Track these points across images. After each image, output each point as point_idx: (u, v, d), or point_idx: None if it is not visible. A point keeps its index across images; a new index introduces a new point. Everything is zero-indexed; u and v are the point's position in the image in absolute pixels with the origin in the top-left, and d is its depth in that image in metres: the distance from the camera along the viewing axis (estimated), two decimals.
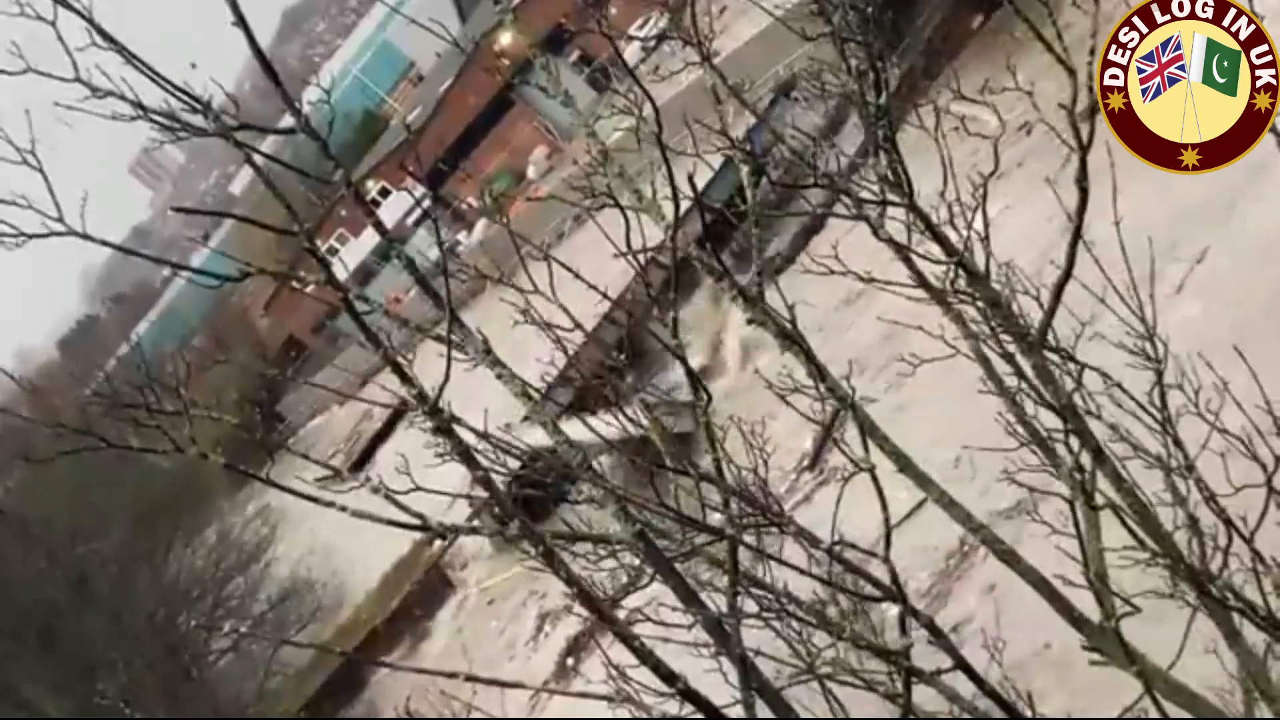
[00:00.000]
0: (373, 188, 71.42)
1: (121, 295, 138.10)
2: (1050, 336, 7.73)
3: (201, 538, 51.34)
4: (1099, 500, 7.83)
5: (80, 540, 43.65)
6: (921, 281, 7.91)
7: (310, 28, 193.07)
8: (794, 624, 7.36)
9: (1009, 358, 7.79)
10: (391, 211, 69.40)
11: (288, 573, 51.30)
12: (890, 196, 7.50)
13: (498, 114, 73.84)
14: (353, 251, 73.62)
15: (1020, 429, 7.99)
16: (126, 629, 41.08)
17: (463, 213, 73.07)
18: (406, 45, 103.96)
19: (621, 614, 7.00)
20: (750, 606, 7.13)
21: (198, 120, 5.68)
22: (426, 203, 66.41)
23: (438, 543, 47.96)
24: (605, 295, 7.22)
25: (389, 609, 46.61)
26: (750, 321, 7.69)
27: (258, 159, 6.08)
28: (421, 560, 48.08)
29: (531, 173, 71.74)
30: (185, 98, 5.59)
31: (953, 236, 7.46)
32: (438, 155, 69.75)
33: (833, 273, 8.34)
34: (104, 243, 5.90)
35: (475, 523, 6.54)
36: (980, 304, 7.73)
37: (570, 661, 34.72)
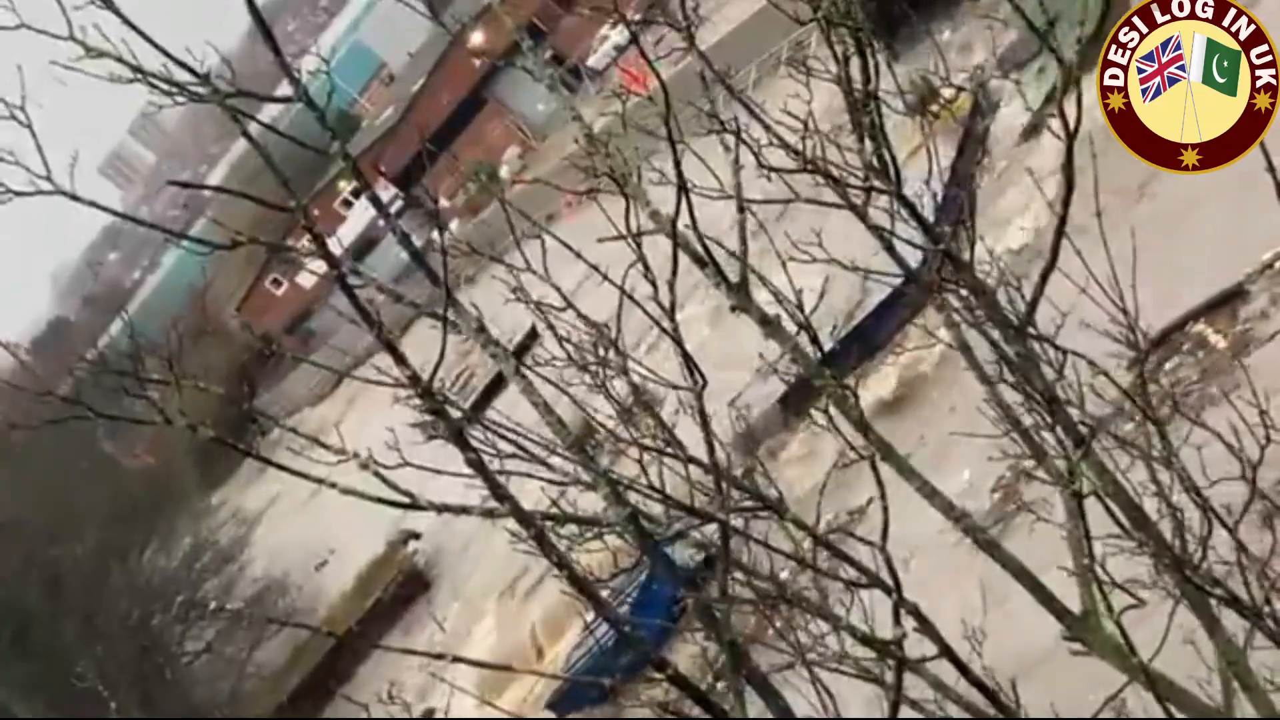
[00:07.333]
0: (345, 188, 71.20)
1: (92, 296, 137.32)
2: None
3: (175, 539, 51.17)
4: (1085, 489, 7.82)
5: (54, 542, 43.49)
6: (905, 269, 7.91)
7: (282, 27, 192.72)
8: (784, 611, 7.35)
9: (993, 345, 7.78)
10: (365, 212, 69.11)
11: (262, 573, 51.21)
12: (876, 184, 7.49)
13: (470, 113, 73.80)
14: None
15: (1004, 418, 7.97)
16: (100, 630, 40.93)
17: (436, 212, 72.90)
18: (378, 45, 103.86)
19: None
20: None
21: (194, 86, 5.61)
22: (406, 195, 66.22)
23: (413, 544, 47.92)
24: (605, 276, 7.23)
25: (364, 608, 46.49)
26: (734, 309, 7.67)
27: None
28: (396, 560, 48.01)
29: (505, 172, 71.71)
30: (181, 65, 5.52)
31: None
32: (411, 154, 69.71)
33: (814, 260, 8.33)
34: (93, 204, 5.79)
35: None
36: (965, 292, 7.72)
37: None
